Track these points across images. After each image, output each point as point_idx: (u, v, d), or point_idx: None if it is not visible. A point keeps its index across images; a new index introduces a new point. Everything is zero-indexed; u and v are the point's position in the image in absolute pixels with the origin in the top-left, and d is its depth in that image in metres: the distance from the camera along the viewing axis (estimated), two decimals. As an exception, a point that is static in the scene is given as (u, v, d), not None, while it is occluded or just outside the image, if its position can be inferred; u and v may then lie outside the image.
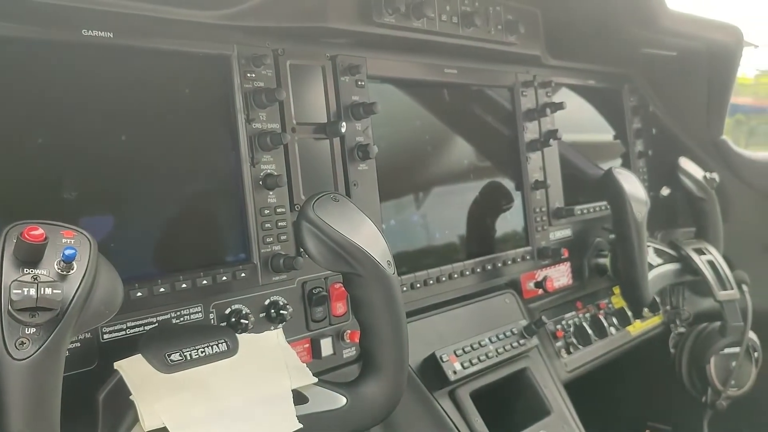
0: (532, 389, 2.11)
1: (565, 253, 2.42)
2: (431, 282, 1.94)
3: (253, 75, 1.56)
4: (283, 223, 1.59)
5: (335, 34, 1.72)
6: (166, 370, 1.20)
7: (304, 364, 1.37)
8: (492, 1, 2.04)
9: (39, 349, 0.93)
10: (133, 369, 1.18)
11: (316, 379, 1.35)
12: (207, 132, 1.51)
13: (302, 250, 1.36)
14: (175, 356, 1.22)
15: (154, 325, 1.36)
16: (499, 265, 2.19)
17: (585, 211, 2.55)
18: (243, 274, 1.50)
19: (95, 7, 1.31)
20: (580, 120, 2.75)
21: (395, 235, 1.90)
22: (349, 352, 1.72)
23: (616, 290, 2.69)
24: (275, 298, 1.57)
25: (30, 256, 0.95)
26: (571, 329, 2.43)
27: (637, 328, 2.69)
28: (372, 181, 1.82)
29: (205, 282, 1.42)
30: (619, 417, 2.87)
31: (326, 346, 1.66)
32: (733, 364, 2.55)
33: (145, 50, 1.40)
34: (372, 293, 1.35)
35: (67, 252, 0.96)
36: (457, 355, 1.90)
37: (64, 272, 0.97)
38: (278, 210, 1.58)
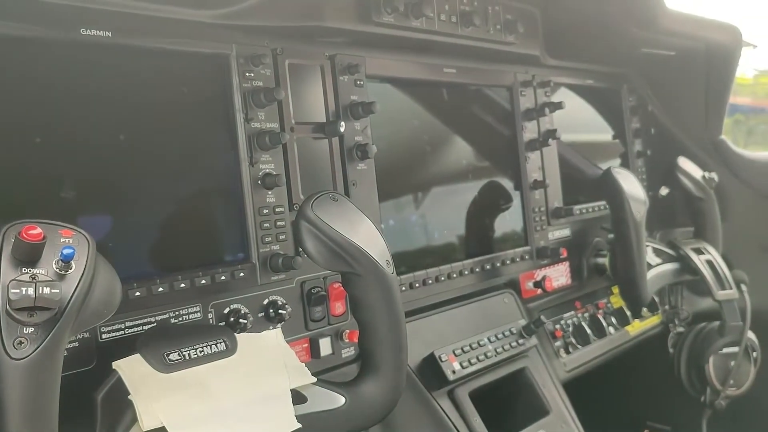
0: (531, 389, 2.11)
1: (564, 253, 2.42)
2: (430, 282, 1.94)
3: (252, 74, 1.56)
4: (282, 223, 1.59)
5: (334, 34, 1.72)
6: (165, 370, 1.20)
7: (303, 364, 1.37)
8: (491, 1, 2.04)
9: (37, 348, 0.92)
10: (131, 369, 1.18)
11: (314, 379, 1.35)
12: (205, 131, 1.51)
13: (301, 249, 1.36)
14: (174, 356, 1.22)
15: (152, 325, 1.36)
16: (498, 264, 2.19)
17: (584, 211, 2.55)
18: (242, 274, 1.50)
19: (94, 6, 1.31)
20: (578, 120, 2.75)
21: (394, 234, 1.90)
22: (348, 352, 1.72)
23: (615, 290, 2.69)
24: (274, 297, 1.57)
25: (28, 256, 0.95)
26: (570, 329, 2.43)
27: (636, 327, 2.69)
28: (371, 181, 1.82)
29: (203, 282, 1.42)
30: (618, 417, 2.86)
31: (325, 346, 1.66)
32: (732, 363, 2.55)
33: (143, 49, 1.40)
34: (371, 293, 1.35)
35: (66, 251, 0.95)
36: (456, 355, 1.90)
37: (63, 272, 0.96)
38: (277, 209, 1.58)
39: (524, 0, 2.16)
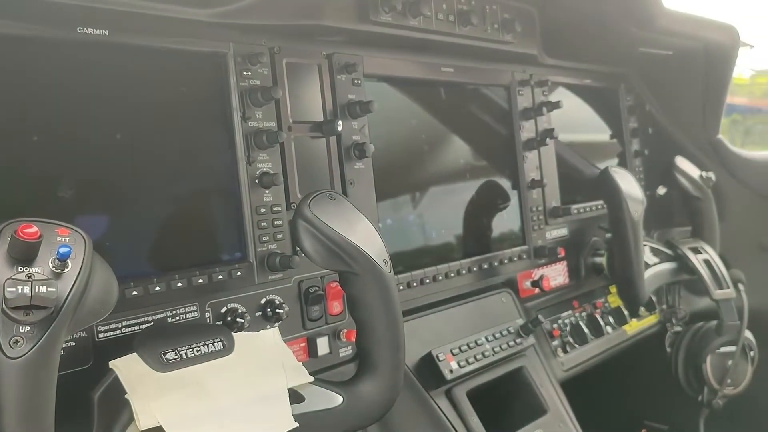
0: (529, 388, 2.11)
1: (562, 252, 2.42)
2: (428, 281, 1.94)
3: (249, 73, 1.56)
4: (280, 222, 1.59)
5: (331, 33, 1.71)
6: (162, 369, 1.19)
7: (301, 363, 1.37)
8: (488, 0, 2.04)
9: (33, 347, 0.92)
10: (128, 368, 1.18)
11: (312, 378, 1.34)
12: (203, 130, 1.51)
13: (298, 248, 1.36)
14: (171, 355, 1.21)
15: (149, 324, 1.36)
16: (496, 264, 2.19)
17: (581, 210, 2.55)
18: (239, 273, 1.49)
19: (90, 4, 1.30)
20: (576, 119, 2.75)
21: (392, 234, 1.89)
22: (346, 351, 1.72)
23: (613, 289, 2.70)
24: (271, 296, 1.56)
25: (24, 254, 0.95)
26: (568, 328, 2.43)
27: (634, 327, 2.70)
28: (368, 180, 1.82)
29: (200, 281, 1.42)
30: (615, 416, 2.86)
31: (322, 345, 1.66)
32: (729, 363, 2.55)
33: (140, 48, 1.40)
34: (368, 292, 1.35)
35: (62, 250, 0.95)
36: (453, 354, 1.90)
37: (59, 270, 0.96)
38: (274, 208, 1.58)
39: (522, -1, 2.16)
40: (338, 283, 1.46)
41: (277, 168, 1.59)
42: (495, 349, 2.00)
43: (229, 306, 1.48)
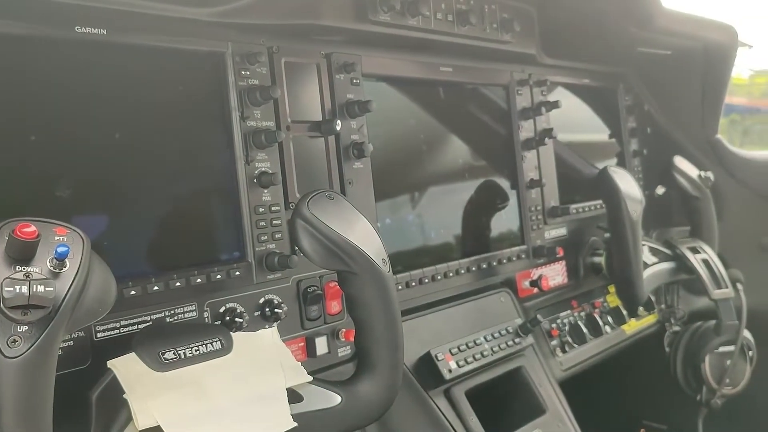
0: (528, 388, 2.11)
1: (560, 252, 2.42)
2: (426, 280, 1.94)
3: (248, 72, 1.56)
4: (278, 221, 1.59)
5: (330, 32, 1.71)
6: (160, 369, 1.19)
7: (299, 363, 1.37)
8: (487, 0, 2.04)
9: (31, 347, 0.92)
10: (126, 367, 1.18)
11: (310, 378, 1.34)
12: (201, 130, 1.50)
13: (297, 248, 1.36)
14: (169, 355, 1.21)
15: (147, 324, 1.35)
16: (495, 263, 2.19)
17: (580, 210, 2.55)
18: (237, 273, 1.49)
19: (89, 3, 1.30)
20: (575, 119, 2.75)
21: (390, 233, 1.89)
22: (344, 351, 1.72)
23: (611, 289, 2.70)
24: (270, 296, 1.56)
25: (22, 254, 0.95)
26: (566, 328, 2.43)
27: (632, 326, 2.70)
28: (367, 180, 1.81)
29: (199, 280, 1.42)
30: (614, 416, 2.87)
31: (321, 345, 1.66)
32: (728, 362, 2.55)
33: (138, 47, 1.40)
34: (367, 291, 1.34)
35: (60, 249, 0.95)
36: (452, 354, 1.90)
37: (57, 270, 0.96)
38: (273, 208, 1.58)
39: (520, -1, 2.16)
40: (337, 283, 1.46)
41: (276, 167, 1.59)
42: (494, 349, 2.00)
43: (227, 306, 1.48)
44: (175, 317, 1.40)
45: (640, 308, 2.67)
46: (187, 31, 1.47)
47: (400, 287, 1.85)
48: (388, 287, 1.35)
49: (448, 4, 1.90)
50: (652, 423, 2.96)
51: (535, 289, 2.35)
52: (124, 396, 1.14)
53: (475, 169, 2.25)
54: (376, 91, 1.88)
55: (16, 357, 0.91)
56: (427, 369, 1.85)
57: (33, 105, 1.25)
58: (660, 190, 2.87)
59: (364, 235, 1.34)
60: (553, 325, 2.38)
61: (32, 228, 0.94)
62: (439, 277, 1.98)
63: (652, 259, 2.54)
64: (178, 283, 1.38)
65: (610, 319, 2.62)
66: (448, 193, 2.15)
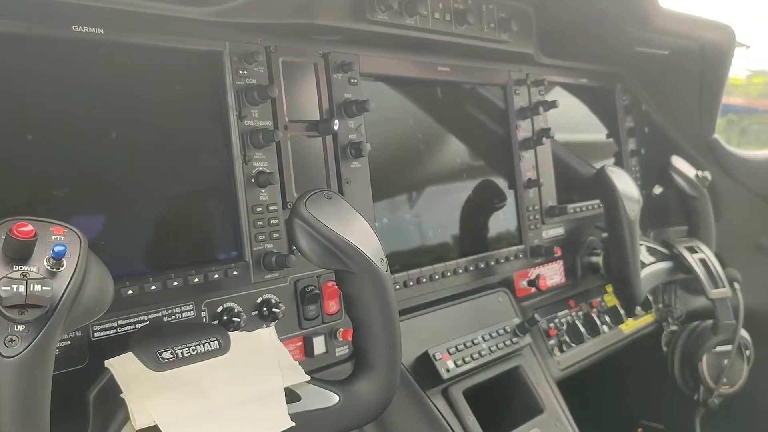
0: (525, 387, 2.11)
1: (558, 252, 2.42)
2: (424, 280, 1.94)
3: (245, 72, 1.55)
4: (276, 221, 1.58)
5: (328, 32, 1.71)
6: (158, 368, 1.19)
7: (297, 363, 1.36)
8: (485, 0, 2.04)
9: (28, 346, 0.92)
10: (124, 367, 1.18)
11: (308, 378, 1.34)
12: (199, 129, 1.50)
13: (295, 247, 1.35)
14: (167, 354, 1.21)
15: (145, 323, 1.35)
16: (492, 263, 2.19)
17: (578, 210, 2.56)
18: (235, 272, 1.49)
19: (86, 2, 1.30)
20: (572, 119, 2.75)
21: (388, 233, 1.89)
22: (342, 351, 1.72)
23: (609, 288, 2.70)
24: (267, 296, 1.56)
25: (19, 253, 0.94)
26: (564, 327, 2.44)
27: (630, 326, 2.70)
28: (365, 179, 1.81)
29: (196, 280, 1.42)
30: (611, 415, 2.87)
31: (319, 345, 1.66)
32: (725, 362, 2.56)
33: (136, 47, 1.39)
34: (364, 291, 1.34)
35: (57, 249, 0.95)
36: (450, 353, 1.90)
37: (54, 269, 0.96)
38: (270, 208, 1.58)
39: (518, -2, 2.16)
40: (334, 282, 1.46)
41: (274, 167, 1.59)
42: (491, 349, 2.00)
43: (225, 305, 1.48)
44: (173, 317, 1.40)
45: (638, 308, 2.69)
46: (184, 31, 1.46)
47: (397, 287, 1.85)
48: (385, 287, 1.36)
49: (445, 4, 1.90)
50: (650, 422, 2.97)
51: (533, 289, 2.35)
52: (122, 395, 1.14)
53: (473, 168, 2.25)
54: (373, 90, 1.88)
55: (13, 356, 0.91)
56: (425, 368, 1.85)
57: (30, 104, 1.25)
58: (657, 189, 2.87)
59: (361, 235, 1.34)
60: (551, 325, 2.38)
61: (29, 227, 0.94)
62: (436, 277, 1.98)
63: (650, 258, 2.55)
64: (175, 283, 1.38)
65: (607, 318, 2.62)
66: (446, 193, 2.15)
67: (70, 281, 0.96)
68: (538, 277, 2.34)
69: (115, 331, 1.31)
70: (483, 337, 2.01)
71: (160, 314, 1.38)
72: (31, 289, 0.91)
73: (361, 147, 1.76)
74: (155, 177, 1.42)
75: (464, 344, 1.95)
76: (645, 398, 2.95)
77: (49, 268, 0.95)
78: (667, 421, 2.92)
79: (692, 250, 2.65)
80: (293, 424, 1.25)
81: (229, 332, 1.32)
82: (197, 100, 1.50)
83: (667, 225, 3.00)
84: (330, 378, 1.42)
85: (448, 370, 1.86)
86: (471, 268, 2.10)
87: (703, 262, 2.62)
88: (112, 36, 1.34)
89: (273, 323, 1.52)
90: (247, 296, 1.52)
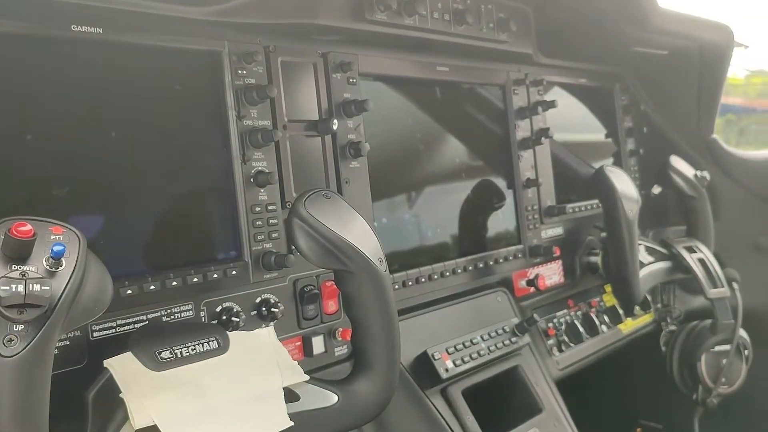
0: (524, 387, 2.11)
1: (557, 252, 2.42)
2: (423, 280, 1.94)
3: (244, 72, 1.55)
4: (275, 221, 1.58)
5: (327, 31, 1.71)
6: (157, 368, 1.19)
7: (296, 362, 1.36)
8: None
9: (27, 346, 0.92)
10: (123, 367, 1.17)
11: (307, 377, 1.34)
12: (198, 129, 1.50)
13: (294, 247, 1.35)
14: (166, 354, 1.21)
15: (144, 323, 1.35)
16: (491, 263, 2.19)
17: (576, 210, 2.56)
18: (234, 272, 1.49)
19: (85, 2, 1.30)
20: (571, 119, 2.75)
21: (387, 233, 1.89)
22: (341, 350, 1.72)
23: (608, 288, 2.70)
24: (266, 295, 1.56)
25: (18, 253, 0.94)
26: (563, 327, 2.44)
27: (629, 326, 2.70)
28: (364, 179, 1.81)
29: (195, 279, 1.42)
30: (610, 415, 2.87)
31: (318, 344, 1.66)
32: (724, 361, 2.56)
33: (135, 46, 1.39)
34: (363, 290, 1.34)
35: (56, 248, 0.95)
36: (449, 353, 1.90)
37: (53, 269, 0.96)
38: (269, 207, 1.58)
39: (517, -2, 2.16)
40: (333, 282, 1.46)
41: (272, 167, 1.59)
42: (490, 348, 2.01)
43: (224, 305, 1.48)
44: (172, 316, 1.40)
45: (637, 307, 2.69)
46: (183, 30, 1.46)
47: (396, 286, 1.85)
48: (384, 286, 1.36)
49: (444, 4, 1.90)
50: (649, 422, 2.97)
51: (532, 289, 2.35)
52: (121, 395, 1.14)
53: (472, 168, 2.25)
54: (372, 90, 1.88)
55: (12, 356, 0.91)
56: (424, 368, 1.85)
57: (29, 104, 1.25)
58: (656, 189, 2.87)
59: (360, 235, 1.34)
60: (550, 325, 2.38)
61: (28, 227, 0.94)
62: (435, 277, 1.98)
63: (649, 258, 2.55)
64: (174, 283, 1.38)
65: (606, 318, 2.62)
66: (445, 193, 2.15)
67: (69, 281, 0.96)
68: (536, 276, 2.34)
69: (114, 330, 1.31)
70: (482, 337, 2.01)
71: (159, 314, 1.38)
72: (30, 288, 0.91)
73: (360, 147, 1.76)
74: (154, 177, 1.42)
75: (463, 344, 1.95)
76: (644, 398, 2.96)
77: (48, 267, 0.95)
78: (665, 420, 2.92)
79: (691, 249, 2.65)
80: (292, 423, 1.25)
81: (228, 332, 1.32)
82: (196, 100, 1.50)
83: (666, 225, 3.00)
84: (329, 378, 1.42)
85: (447, 370, 1.86)
86: (470, 267, 2.10)
87: (701, 261, 2.63)
88: (111, 36, 1.34)
89: (272, 323, 1.52)
90: (246, 296, 1.52)
